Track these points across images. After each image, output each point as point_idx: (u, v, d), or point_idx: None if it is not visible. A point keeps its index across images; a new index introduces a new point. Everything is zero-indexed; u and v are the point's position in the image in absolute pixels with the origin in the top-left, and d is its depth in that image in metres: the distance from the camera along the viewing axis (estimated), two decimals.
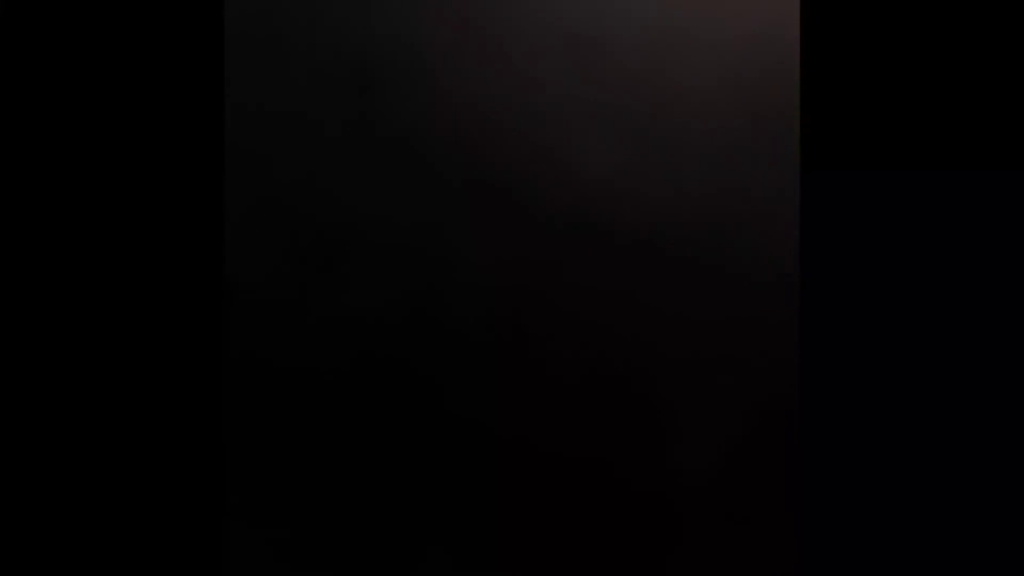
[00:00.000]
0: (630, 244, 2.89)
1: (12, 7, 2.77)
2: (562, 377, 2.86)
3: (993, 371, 3.39)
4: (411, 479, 2.79)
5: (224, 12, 2.70)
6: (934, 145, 3.36)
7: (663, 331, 2.92)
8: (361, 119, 2.77)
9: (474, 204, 2.82)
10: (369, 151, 2.78)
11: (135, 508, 2.81)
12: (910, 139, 3.36)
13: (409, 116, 2.79)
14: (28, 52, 2.80)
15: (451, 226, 2.81)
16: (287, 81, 2.74)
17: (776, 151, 2.98)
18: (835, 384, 3.36)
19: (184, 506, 2.76)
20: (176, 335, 2.76)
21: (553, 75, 2.86)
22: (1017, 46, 3.36)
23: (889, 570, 3.40)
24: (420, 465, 2.79)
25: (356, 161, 2.77)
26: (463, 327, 2.81)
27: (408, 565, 2.79)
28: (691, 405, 2.92)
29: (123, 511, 2.81)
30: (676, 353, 2.93)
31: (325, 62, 2.75)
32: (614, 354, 2.89)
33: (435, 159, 2.80)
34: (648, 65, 2.91)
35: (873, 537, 3.42)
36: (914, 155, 3.36)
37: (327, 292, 2.75)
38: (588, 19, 2.88)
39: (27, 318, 2.84)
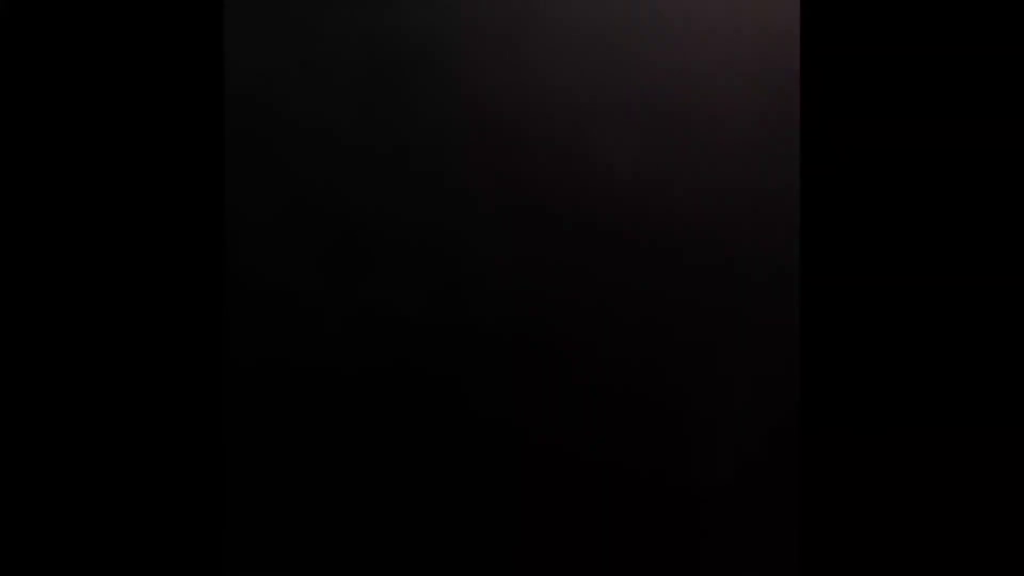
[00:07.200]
0: (648, 244, 2.89)
1: (12, 6, 2.78)
2: (582, 378, 2.86)
3: (993, 370, 3.39)
4: (429, 483, 2.79)
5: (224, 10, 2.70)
6: (935, 142, 3.37)
7: (684, 332, 2.92)
8: (378, 116, 2.77)
9: (483, 203, 2.82)
10: (385, 150, 2.78)
11: (137, 509, 2.81)
12: (910, 136, 3.37)
13: (425, 114, 2.79)
14: (28, 50, 2.81)
15: (466, 226, 2.81)
16: (299, 76, 2.74)
17: (777, 150, 2.99)
18: (835, 384, 3.37)
19: (193, 509, 2.76)
20: (184, 340, 2.76)
21: (573, 75, 2.86)
22: (1017, 47, 3.36)
23: (891, 572, 3.40)
24: (439, 468, 2.79)
25: (372, 160, 2.77)
26: (482, 328, 2.81)
27: (425, 570, 2.79)
28: (713, 409, 2.92)
29: (124, 511, 2.81)
30: (696, 353, 2.93)
31: (343, 59, 2.75)
32: (633, 353, 2.89)
33: (446, 158, 2.81)
34: (646, 64, 2.91)
35: (874, 539, 3.42)
36: (915, 153, 3.36)
37: (345, 292, 2.75)
38: (603, 18, 2.89)
39: (28, 316, 2.84)
